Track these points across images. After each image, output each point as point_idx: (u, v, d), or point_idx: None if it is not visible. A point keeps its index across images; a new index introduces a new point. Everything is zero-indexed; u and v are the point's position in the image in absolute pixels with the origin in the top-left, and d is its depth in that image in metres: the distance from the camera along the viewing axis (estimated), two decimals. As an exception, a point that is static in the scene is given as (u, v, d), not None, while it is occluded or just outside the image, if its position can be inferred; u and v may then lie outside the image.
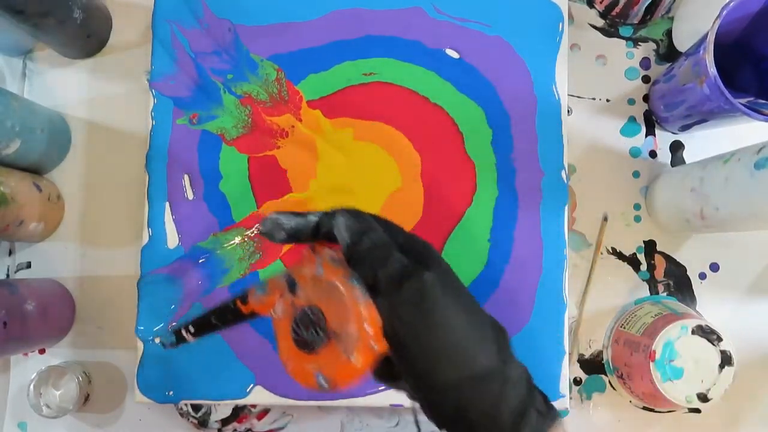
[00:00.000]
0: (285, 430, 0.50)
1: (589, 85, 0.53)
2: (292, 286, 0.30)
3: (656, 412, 0.50)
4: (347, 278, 0.28)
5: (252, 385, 0.45)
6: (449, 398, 0.28)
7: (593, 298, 0.51)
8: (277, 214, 0.31)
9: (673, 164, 0.52)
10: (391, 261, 0.28)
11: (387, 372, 0.30)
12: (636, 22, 0.53)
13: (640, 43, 0.53)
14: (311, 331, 0.29)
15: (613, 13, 0.53)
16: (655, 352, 0.43)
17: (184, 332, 0.34)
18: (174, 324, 0.33)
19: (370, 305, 0.28)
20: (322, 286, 0.29)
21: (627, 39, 0.53)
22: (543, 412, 0.29)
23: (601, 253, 0.51)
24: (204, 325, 0.33)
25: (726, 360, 0.43)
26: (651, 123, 0.53)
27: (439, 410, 0.29)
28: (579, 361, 0.51)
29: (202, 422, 0.48)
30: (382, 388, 0.45)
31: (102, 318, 0.51)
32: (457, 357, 0.28)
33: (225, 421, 0.48)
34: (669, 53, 0.53)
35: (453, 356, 0.28)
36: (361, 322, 0.27)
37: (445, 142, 0.47)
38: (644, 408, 0.50)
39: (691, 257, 0.51)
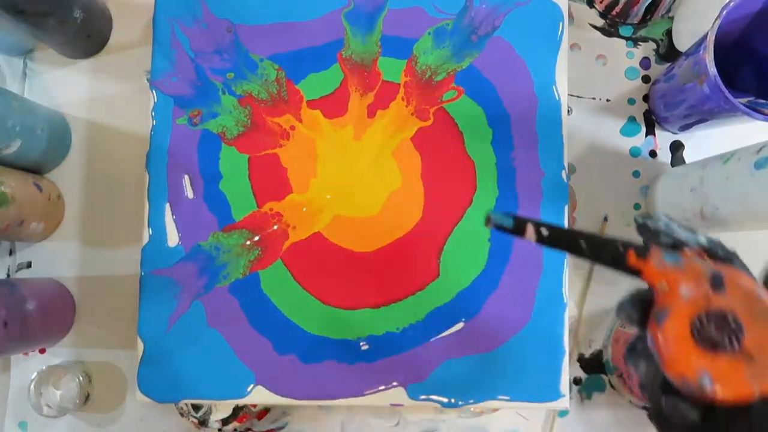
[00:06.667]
0: (285, 429, 0.50)
1: (589, 85, 0.53)
2: (717, 283, 0.29)
3: (656, 411, 0.50)
4: None
5: (252, 385, 0.45)
6: None
7: (593, 298, 0.51)
8: (669, 220, 0.31)
9: (673, 164, 0.52)
10: None
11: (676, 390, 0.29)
12: (636, 21, 0.53)
13: (640, 42, 0.53)
14: (723, 336, 0.28)
15: (613, 12, 0.53)
16: (655, 351, 0.43)
17: (531, 226, 0.32)
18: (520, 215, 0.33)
19: None
20: (755, 305, 0.28)
21: (627, 39, 0.53)
22: None
23: (601, 253, 0.51)
24: (565, 239, 0.32)
25: None
26: (651, 123, 0.53)
27: None
28: (579, 361, 0.51)
29: (203, 422, 0.48)
30: (382, 388, 0.45)
31: (102, 318, 0.51)
32: None
33: (225, 421, 0.48)
34: (669, 53, 0.53)
35: None
36: None
37: (445, 142, 0.47)
38: (644, 408, 0.50)
39: (691, 257, 0.51)
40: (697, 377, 0.27)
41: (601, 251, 0.32)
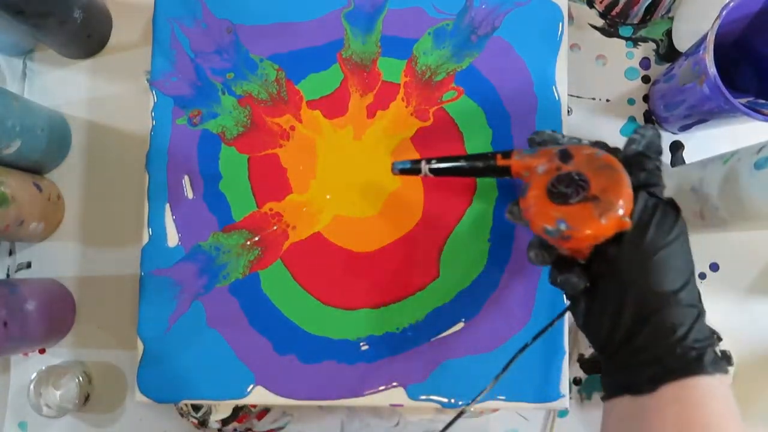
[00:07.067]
0: (285, 430, 0.50)
1: (589, 85, 0.53)
2: (565, 156, 0.36)
3: (656, 412, 0.50)
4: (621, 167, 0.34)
5: (252, 385, 0.45)
6: (643, 304, 0.32)
7: (593, 298, 0.51)
8: (553, 132, 0.39)
9: (673, 164, 0.52)
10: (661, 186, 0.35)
11: (567, 266, 0.35)
12: (636, 22, 0.53)
13: (640, 43, 0.53)
14: (571, 188, 0.34)
15: (613, 13, 0.53)
16: (655, 352, 0.43)
17: (424, 164, 0.41)
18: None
19: (631, 194, 0.33)
20: (596, 161, 0.35)
21: (627, 39, 0.53)
22: (718, 358, 0.31)
23: (601, 253, 0.51)
24: (450, 162, 0.41)
25: (726, 360, 0.43)
26: (651, 123, 0.53)
27: (620, 312, 0.32)
28: (579, 361, 0.51)
29: (203, 422, 0.48)
30: (382, 388, 0.45)
31: (102, 318, 0.51)
32: (673, 274, 0.32)
33: (225, 421, 0.48)
34: (669, 53, 0.53)
35: (669, 272, 0.32)
36: (621, 198, 0.32)
37: (445, 142, 0.47)
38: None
39: (691, 257, 0.51)
40: (555, 223, 0.33)
41: (477, 162, 0.40)
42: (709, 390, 0.30)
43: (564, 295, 0.37)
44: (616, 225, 0.32)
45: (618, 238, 0.33)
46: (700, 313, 0.32)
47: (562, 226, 0.33)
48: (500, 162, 0.39)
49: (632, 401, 0.32)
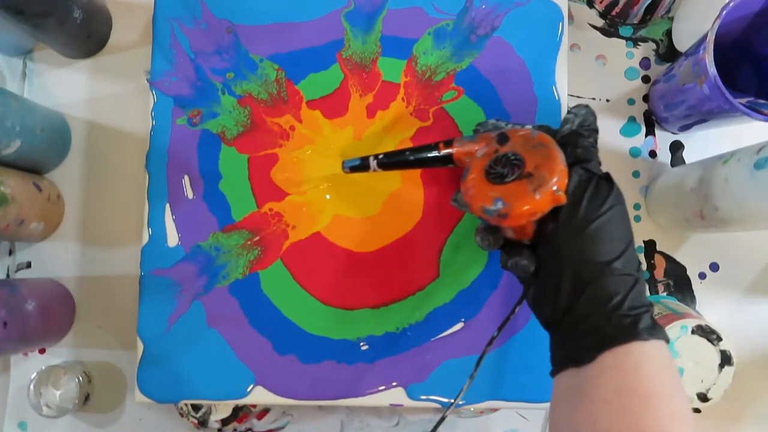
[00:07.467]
0: (285, 430, 0.50)
1: (589, 85, 0.53)
2: (502, 139, 0.37)
3: (656, 411, 0.50)
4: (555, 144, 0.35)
5: (252, 385, 0.45)
6: (579, 275, 0.33)
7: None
8: (497, 120, 0.41)
9: (673, 164, 0.52)
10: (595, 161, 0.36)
11: (516, 249, 0.36)
12: (636, 22, 0.53)
13: (640, 43, 0.53)
14: (507, 168, 0.35)
15: (613, 13, 0.53)
16: (654, 351, 0.43)
17: (372, 159, 0.42)
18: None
19: (564, 169, 0.34)
20: (530, 141, 0.36)
21: (627, 39, 0.53)
22: (653, 325, 0.32)
23: (601, 253, 0.51)
24: (396, 155, 0.42)
25: (726, 360, 0.44)
26: (651, 123, 0.53)
27: (559, 285, 0.33)
28: (579, 361, 0.50)
29: (202, 422, 0.48)
30: (382, 388, 0.45)
31: (102, 318, 0.51)
32: (608, 245, 0.33)
33: (225, 421, 0.48)
34: (669, 53, 0.53)
35: (603, 243, 0.33)
36: (554, 173, 0.33)
37: (445, 142, 0.47)
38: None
39: (691, 257, 0.51)
40: (492, 202, 0.34)
41: (421, 153, 0.41)
42: (644, 355, 0.31)
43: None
44: (550, 200, 0.33)
45: (556, 214, 0.34)
46: (637, 281, 0.33)
47: (499, 204, 0.34)
48: (442, 149, 0.40)
49: (575, 373, 0.32)
